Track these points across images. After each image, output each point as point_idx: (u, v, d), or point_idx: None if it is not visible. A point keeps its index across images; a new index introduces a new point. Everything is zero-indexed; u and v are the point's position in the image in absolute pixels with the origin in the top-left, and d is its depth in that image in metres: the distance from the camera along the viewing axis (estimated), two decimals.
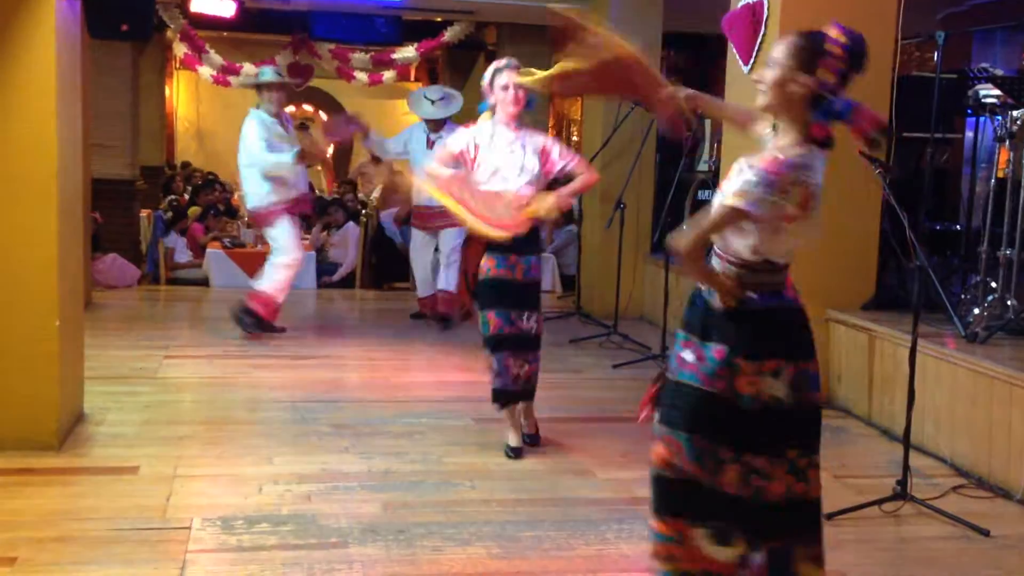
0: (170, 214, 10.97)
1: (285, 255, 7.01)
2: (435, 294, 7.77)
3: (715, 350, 2.79)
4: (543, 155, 4.71)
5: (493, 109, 4.69)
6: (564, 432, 5.12)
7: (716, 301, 2.83)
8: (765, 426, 2.76)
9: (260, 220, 7.19)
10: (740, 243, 2.76)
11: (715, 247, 2.84)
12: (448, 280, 7.59)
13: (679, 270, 2.74)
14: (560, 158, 4.72)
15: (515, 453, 4.68)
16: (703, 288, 2.89)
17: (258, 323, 7.01)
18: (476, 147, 4.67)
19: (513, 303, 4.64)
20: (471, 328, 7.70)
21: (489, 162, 4.64)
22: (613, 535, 3.77)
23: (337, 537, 3.65)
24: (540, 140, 4.76)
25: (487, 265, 4.64)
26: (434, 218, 7.15)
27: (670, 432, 2.90)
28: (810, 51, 2.69)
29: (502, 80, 4.61)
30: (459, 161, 4.71)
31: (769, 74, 2.73)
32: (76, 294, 4.90)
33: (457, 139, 4.78)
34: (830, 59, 2.68)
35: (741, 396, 2.75)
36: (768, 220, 2.65)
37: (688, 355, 2.87)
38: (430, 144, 7.38)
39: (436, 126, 7.60)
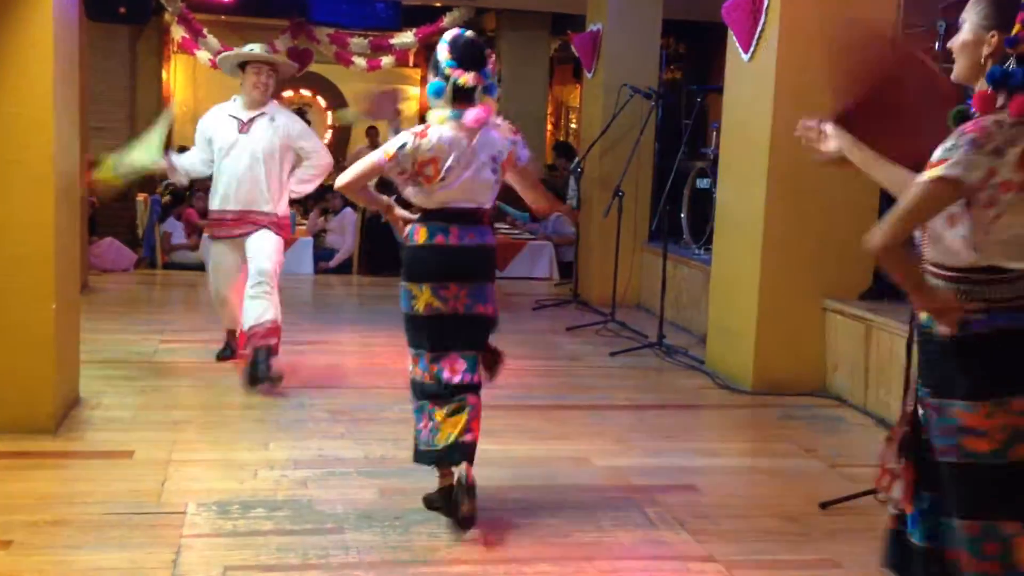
0: (168, 198, 10.92)
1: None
2: None
3: (958, 410, 2.24)
4: None
5: None
6: (561, 419, 5.12)
7: (941, 329, 2.27)
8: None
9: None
10: (952, 238, 2.23)
11: (925, 260, 2.33)
12: None
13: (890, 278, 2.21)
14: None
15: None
16: (925, 317, 2.33)
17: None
18: None
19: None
20: None
21: None
22: (609, 522, 3.77)
23: (333, 523, 3.65)
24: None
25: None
26: None
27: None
28: (1006, 2, 2.24)
29: None
30: None
31: (958, 39, 2.32)
32: (72, 278, 4.88)
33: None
34: None
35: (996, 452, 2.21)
36: (981, 188, 2.15)
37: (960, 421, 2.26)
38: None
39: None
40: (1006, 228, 2.18)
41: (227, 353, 5.93)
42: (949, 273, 2.25)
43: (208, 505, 3.75)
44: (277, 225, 5.60)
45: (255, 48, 5.65)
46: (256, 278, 5.41)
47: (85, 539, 3.41)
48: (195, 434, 4.62)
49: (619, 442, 4.78)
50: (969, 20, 2.28)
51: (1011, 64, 2.14)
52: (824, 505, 3.99)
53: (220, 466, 4.23)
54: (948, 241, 2.24)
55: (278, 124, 5.56)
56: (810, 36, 5.55)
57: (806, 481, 4.34)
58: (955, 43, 2.30)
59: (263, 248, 5.48)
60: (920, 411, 2.37)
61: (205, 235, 9.71)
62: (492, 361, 3.81)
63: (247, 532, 3.53)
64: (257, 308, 5.38)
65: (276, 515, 3.69)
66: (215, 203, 5.62)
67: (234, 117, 5.55)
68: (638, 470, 4.39)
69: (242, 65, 5.59)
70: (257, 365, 5.26)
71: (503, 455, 4.50)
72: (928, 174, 2.16)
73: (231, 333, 5.93)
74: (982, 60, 2.22)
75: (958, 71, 2.29)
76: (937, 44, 5.95)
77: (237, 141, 5.48)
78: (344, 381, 5.73)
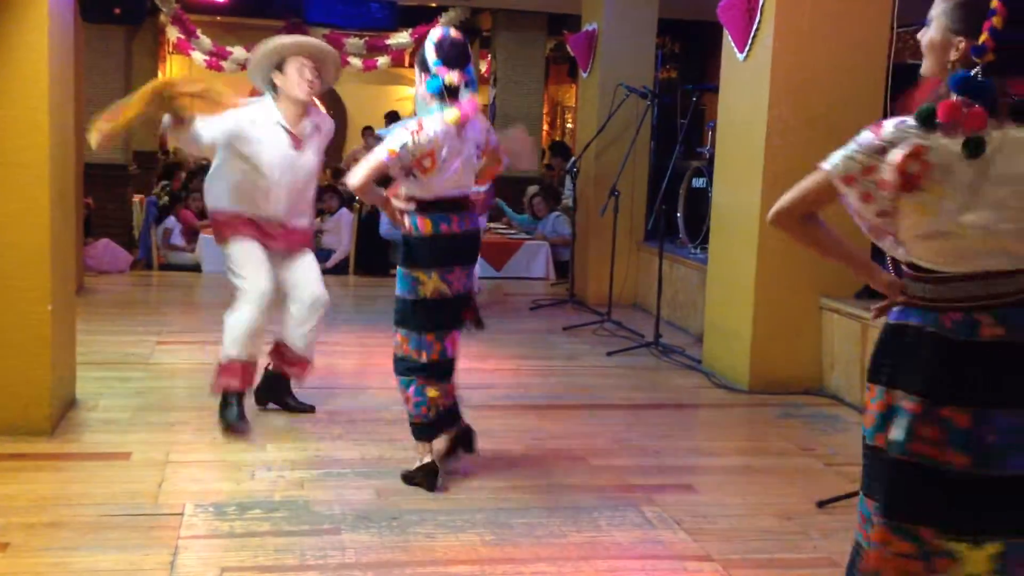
0: (166, 199, 10.89)
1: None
2: None
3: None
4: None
5: None
6: (557, 419, 5.12)
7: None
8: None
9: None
10: (863, 229, 2.36)
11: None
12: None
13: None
14: None
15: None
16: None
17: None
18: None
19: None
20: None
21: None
22: (605, 522, 3.77)
23: (330, 523, 3.65)
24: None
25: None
26: None
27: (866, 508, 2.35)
28: (973, 7, 2.14)
29: None
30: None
31: (927, 35, 2.24)
32: (68, 279, 4.88)
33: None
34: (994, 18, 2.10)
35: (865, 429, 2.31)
36: (853, 181, 2.20)
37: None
38: None
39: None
40: (898, 226, 2.22)
41: (270, 394, 5.08)
42: (905, 270, 2.32)
43: (205, 506, 3.75)
44: (310, 240, 5.13)
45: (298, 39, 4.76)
46: (315, 306, 4.98)
47: (82, 541, 3.41)
48: (192, 435, 4.61)
49: (616, 441, 4.78)
50: (936, 20, 2.21)
51: (978, 73, 2.09)
52: (821, 504, 4.00)
53: (217, 467, 4.23)
54: (870, 236, 2.34)
55: (324, 131, 4.86)
56: (805, 35, 5.57)
57: (803, 480, 4.35)
58: (923, 39, 2.25)
59: (312, 272, 5.02)
60: None
61: (203, 235, 9.75)
62: (476, 316, 4.16)
63: (244, 533, 3.53)
64: (312, 337, 5.00)
65: (273, 516, 3.69)
66: (241, 205, 4.69)
67: (285, 129, 4.66)
68: (635, 470, 4.39)
69: (279, 65, 4.63)
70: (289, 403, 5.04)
71: (499, 455, 4.50)
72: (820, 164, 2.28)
73: (253, 365, 4.82)
74: (948, 64, 2.17)
75: (926, 68, 2.26)
76: None
77: (289, 158, 4.68)
78: (341, 382, 5.73)
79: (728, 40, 5.99)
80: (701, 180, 7.72)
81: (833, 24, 5.57)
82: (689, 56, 13.35)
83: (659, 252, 6.90)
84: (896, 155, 2.13)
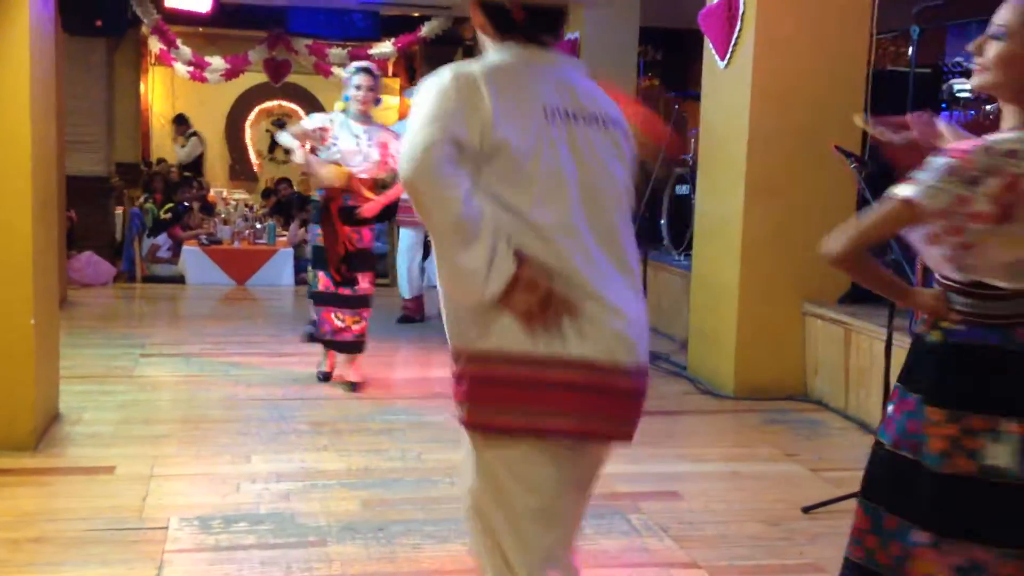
0: (168, 215, 10.80)
1: None
2: (420, 296, 7.80)
3: (911, 400, 2.21)
4: (383, 148, 5.47)
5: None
6: None
7: (922, 327, 2.26)
8: (971, 503, 2.10)
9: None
10: (936, 255, 2.15)
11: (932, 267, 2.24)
12: None
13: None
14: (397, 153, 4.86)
15: (324, 377, 5.81)
16: (918, 318, 2.33)
17: None
18: (328, 129, 5.50)
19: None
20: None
21: (337, 145, 5.46)
22: (592, 530, 3.77)
23: (316, 536, 3.64)
24: (385, 135, 5.55)
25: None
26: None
27: (860, 503, 2.32)
28: None
29: (357, 80, 5.49)
30: (310, 137, 5.55)
31: (994, 48, 2.08)
32: (51, 293, 4.86)
33: (313, 120, 5.66)
34: None
35: (928, 456, 2.14)
36: (944, 216, 2.03)
37: (890, 408, 2.30)
38: None
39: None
40: (991, 255, 2.07)
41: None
42: (945, 280, 2.18)
43: (190, 520, 3.73)
44: None
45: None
46: None
47: (67, 556, 3.39)
48: (176, 448, 4.59)
49: None
50: (1018, 33, 2.03)
51: None
52: (807, 509, 4.01)
53: (202, 480, 4.21)
54: (934, 258, 2.16)
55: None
56: (785, 43, 5.60)
57: (788, 486, 4.36)
58: (993, 53, 2.07)
59: None
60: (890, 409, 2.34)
61: (186, 247, 9.72)
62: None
63: (230, 547, 3.52)
64: None
65: (259, 529, 3.68)
66: None
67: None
68: (621, 477, 4.39)
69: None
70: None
71: None
72: (896, 191, 2.08)
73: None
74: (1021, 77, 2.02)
75: (989, 83, 2.10)
76: (910, 49, 6.00)
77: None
78: (326, 392, 5.71)
79: (709, 48, 6.01)
80: (684, 187, 7.75)
81: (813, 32, 5.61)
82: (671, 64, 13.37)
83: (643, 259, 6.91)
84: (993, 185, 1.99)
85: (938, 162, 2.04)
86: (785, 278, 5.73)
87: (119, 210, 11.68)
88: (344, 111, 5.60)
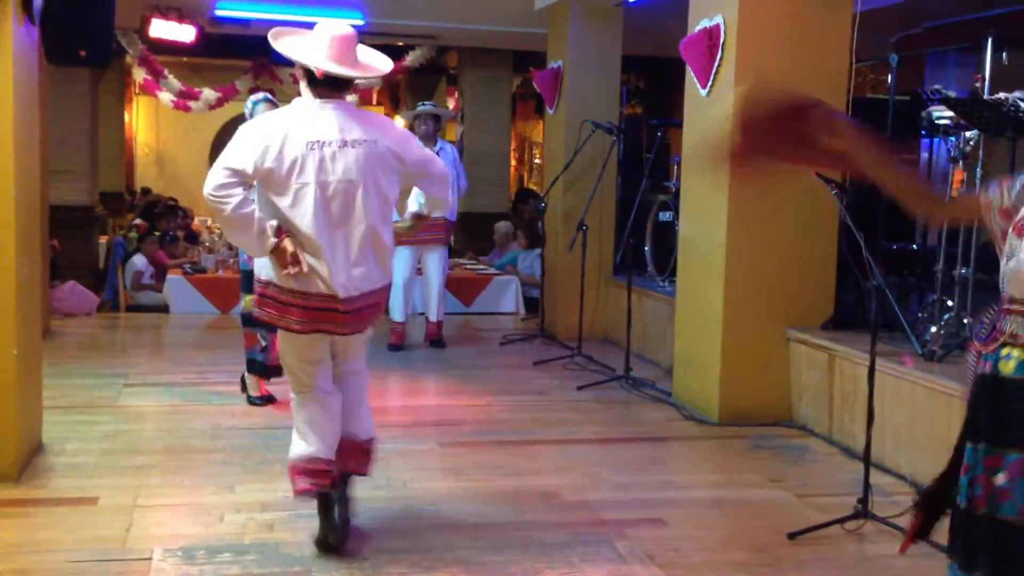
0: (156, 244, 10.76)
1: None
2: (405, 322, 7.80)
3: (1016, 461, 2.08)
4: None
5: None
6: (529, 455, 5.12)
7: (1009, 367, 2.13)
8: None
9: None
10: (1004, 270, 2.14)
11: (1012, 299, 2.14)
12: (437, 311, 7.81)
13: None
14: None
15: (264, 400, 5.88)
16: (986, 351, 2.20)
17: None
18: None
19: None
20: (433, 353, 7.71)
21: None
22: (579, 558, 3.76)
23: (300, 566, 3.62)
24: None
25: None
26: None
27: None
28: None
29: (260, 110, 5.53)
30: None
31: None
32: (34, 323, 4.84)
33: None
34: None
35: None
36: (1012, 214, 2.07)
37: (1000, 477, 2.12)
38: None
39: (429, 142, 7.61)
40: None
41: None
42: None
43: (174, 551, 3.71)
44: None
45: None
46: None
47: None
48: (160, 479, 4.57)
49: (588, 476, 4.78)
50: None
51: None
52: (792, 536, 4.01)
53: (186, 511, 4.19)
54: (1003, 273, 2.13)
55: None
56: (765, 71, 5.65)
57: (774, 512, 4.37)
58: None
59: None
60: (980, 472, 2.17)
61: (171, 275, 9.68)
62: None
63: None
64: None
65: (243, 559, 3.66)
66: None
67: None
68: (607, 504, 4.39)
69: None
70: None
71: (471, 492, 4.49)
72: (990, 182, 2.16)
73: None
74: None
75: None
76: (889, 77, 6.08)
77: None
78: None
79: (691, 76, 6.07)
80: (668, 214, 7.79)
81: (793, 60, 5.66)
82: (653, 92, 13.50)
83: (628, 286, 6.94)
84: None
85: None
86: (768, 304, 5.76)
87: (103, 239, 11.66)
88: None
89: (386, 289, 3.80)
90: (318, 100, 3.60)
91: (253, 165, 3.47)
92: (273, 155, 3.47)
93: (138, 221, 11.88)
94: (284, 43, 3.67)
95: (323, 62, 3.55)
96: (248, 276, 5.45)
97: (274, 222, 3.54)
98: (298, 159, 3.48)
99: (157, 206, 12.44)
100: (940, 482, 2.34)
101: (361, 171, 3.56)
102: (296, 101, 3.66)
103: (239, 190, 3.48)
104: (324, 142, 3.52)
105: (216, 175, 3.48)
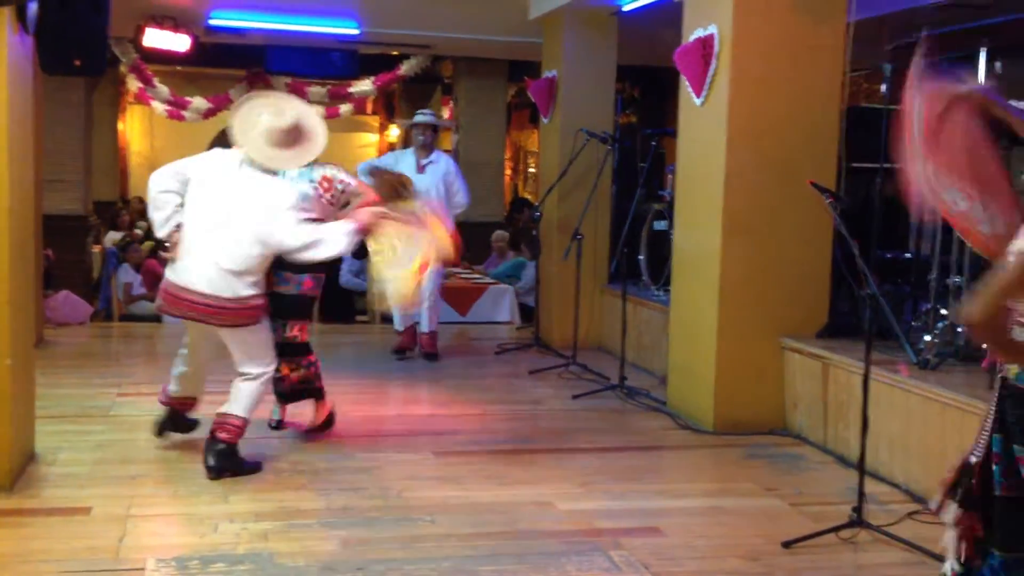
0: (146, 253, 10.73)
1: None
2: (412, 327, 7.77)
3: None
4: (321, 184, 4.98)
5: None
6: (524, 464, 5.11)
7: None
8: None
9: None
10: None
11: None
12: (429, 321, 7.72)
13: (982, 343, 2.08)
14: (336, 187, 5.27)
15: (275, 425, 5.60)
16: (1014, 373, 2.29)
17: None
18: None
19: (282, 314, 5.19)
20: (428, 363, 7.70)
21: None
22: (574, 567, 3.76)
23: (295, 575, 3.61)
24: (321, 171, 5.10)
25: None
26: None
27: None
28: None
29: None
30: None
31: None
32: (27, 332, 4.82)
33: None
34: None
35: None
36: None
37: None
38: (420, 168, 7.42)
39: (426, 151, 7.62)
40: None
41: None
42: None
43: (167, 561, 3.69)
44: None
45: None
46: None
47: None
48: (153, 488, 4.55)
49: (582, 485, 4.78)
50: None
51: None
52: (787, 544, 4.01)
53: (179, 521, 4.18)
54: None
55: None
56: (760, 80, 5.67)
57: (769, 520, 4.36)
58: None
59: None
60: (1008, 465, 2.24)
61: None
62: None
63: None
64: None
65: (237, 569, 3.65)
66: None
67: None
68: (602, 513, 4.39)
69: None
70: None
71: (466, 501, 4.48)
72: (1019, 246, 2.04)
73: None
74: None
75: None
76: (883, 86, 6.09)
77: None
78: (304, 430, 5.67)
79: (685, 85, 6.08)
80: (662, 222, 7.79)
81: (788, 69, 5.68)
82: (648, 101, 13.52)
83: (622, 294, 6.94)
84: None
85: None
86: (763, 313, 5.76)
87: (96, 248, 11.64)
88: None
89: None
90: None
91: (189, 176, 4.71)
92: (201, 174, 4.69)
93: (121, 235, 11.83)
94: (240, 114, 4.72)
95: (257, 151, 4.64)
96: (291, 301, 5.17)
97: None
98: (216, 180, 4.65)
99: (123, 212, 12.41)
100: (978, 477, 2.37)
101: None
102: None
103: (172, 187, 4.66)
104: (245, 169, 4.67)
105: (157, 171, 4.74)
